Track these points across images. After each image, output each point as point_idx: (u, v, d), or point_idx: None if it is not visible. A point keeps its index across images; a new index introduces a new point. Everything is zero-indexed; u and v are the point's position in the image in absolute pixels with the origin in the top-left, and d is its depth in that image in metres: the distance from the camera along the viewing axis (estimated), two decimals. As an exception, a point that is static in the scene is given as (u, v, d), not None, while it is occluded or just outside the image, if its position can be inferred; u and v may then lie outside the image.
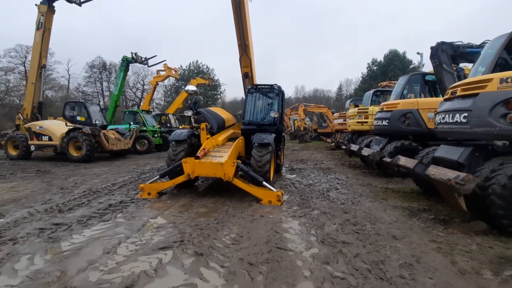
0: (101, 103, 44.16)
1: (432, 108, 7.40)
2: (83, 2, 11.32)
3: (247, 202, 5.03)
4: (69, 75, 44.18)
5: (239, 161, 5.30)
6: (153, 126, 15.00)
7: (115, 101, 14.38)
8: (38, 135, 10.44)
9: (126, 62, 14.45)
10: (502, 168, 3.51)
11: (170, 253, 3.02)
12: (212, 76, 43.44)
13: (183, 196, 5.43)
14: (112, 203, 4.88)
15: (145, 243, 3.27)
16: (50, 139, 10.34)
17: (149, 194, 5.36)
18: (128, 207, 4.67)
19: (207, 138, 6.10)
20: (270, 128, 6.76)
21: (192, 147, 6.18)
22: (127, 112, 15.41)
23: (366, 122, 11.74)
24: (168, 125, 16.84)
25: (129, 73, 50.80)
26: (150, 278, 2.52)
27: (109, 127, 11.94)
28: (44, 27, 11.14)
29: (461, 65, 8.43)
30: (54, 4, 11.13)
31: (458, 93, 4.48)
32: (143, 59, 14.98)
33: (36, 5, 11.14)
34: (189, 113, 6.59)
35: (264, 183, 5.08)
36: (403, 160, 5.63)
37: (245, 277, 2.54)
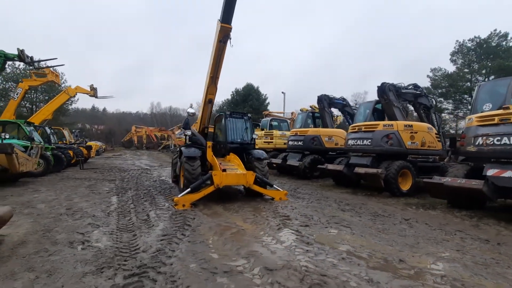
0: None
1: (327, 134, 11.93)
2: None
3: (262, 201, 6.81)
4: None
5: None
6: (40, 142, 11.94)
7: (-20, 108, 10.16)
8: None
9: (4, 59, 10.76)
10: (391, 166, 7.67)
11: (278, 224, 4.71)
12: (63, 82, 35.61)
13: (215, 204, 6.29)
14: (171, 215, 5.30)
15: (265, 223, 4.70)
16: None
17: (183, 205, 5.95)
18: (195, 216, 5.31)
19: (212, 155, 7.28)
20: (249, 146, 8.62)
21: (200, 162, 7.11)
22: (-4, 123, 11.23)
23: (272, 142, 15.50)
24: (63, 141, 13.61)
25: None
26: (274, 239, 4.27)
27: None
28: None
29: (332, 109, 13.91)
30: None
31: (363, 129, 8.63)
32: (29, 58, 11.60)
33: None
34: (188, 132, 7.41)
35: (274, 186, 7.12)
36: (331, 166, 9.36)
37: (320, 220, 4.85)
